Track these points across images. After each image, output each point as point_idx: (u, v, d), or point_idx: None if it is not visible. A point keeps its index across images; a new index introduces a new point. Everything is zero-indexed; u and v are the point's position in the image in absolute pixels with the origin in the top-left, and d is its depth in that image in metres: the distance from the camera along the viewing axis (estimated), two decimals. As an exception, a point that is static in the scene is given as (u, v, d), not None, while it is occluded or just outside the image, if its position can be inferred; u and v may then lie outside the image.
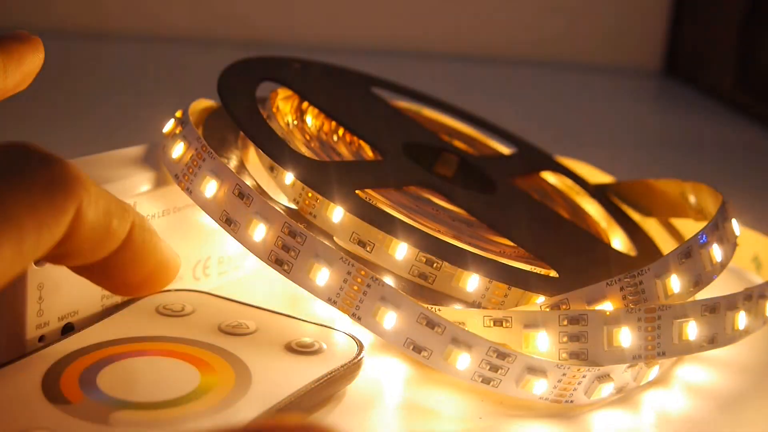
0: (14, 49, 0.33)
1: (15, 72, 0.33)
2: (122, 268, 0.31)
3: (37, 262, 0.32)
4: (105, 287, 0.32)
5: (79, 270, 0.31)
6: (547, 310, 0.34)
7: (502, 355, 0.33)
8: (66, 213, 0.26)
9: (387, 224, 0.36)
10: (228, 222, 0.36)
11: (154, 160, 0.39)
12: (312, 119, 0.46)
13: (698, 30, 1.02)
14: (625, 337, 0.34)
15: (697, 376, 0.38)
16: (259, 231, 0.35)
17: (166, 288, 0.35)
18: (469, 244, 0.38)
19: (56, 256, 0.28)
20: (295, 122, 0.44)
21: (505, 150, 0.52)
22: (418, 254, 0.36)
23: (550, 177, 0.50)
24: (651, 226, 0.48)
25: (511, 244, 0.39)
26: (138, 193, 0.37)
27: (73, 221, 0.26)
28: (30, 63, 0.33)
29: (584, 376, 0.34)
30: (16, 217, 0.25)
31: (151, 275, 0.32)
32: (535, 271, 0.38)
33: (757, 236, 0.48)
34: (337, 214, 0.37)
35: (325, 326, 0.36)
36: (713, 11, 0.98)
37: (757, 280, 0.48)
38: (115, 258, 0.30)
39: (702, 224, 0.40)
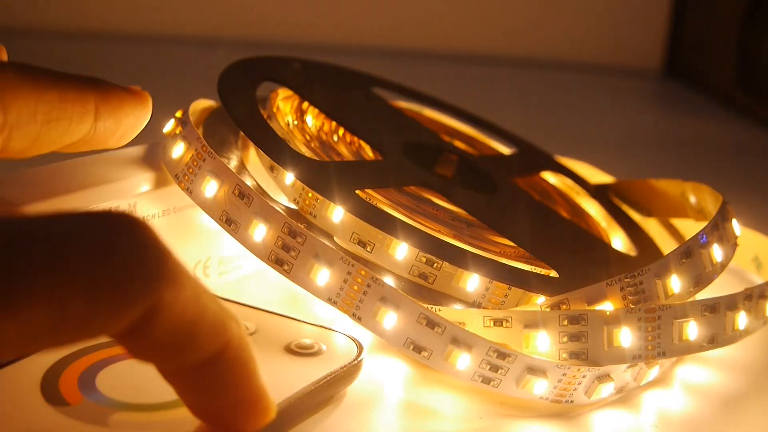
0: (112, 94, 0.31)
1: (108, 118, 0.31)
2: (204, 387, 0.26)
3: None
4: (185, 403, 0.27)
5: (163, 373, 0.26)
6: (547, 310, 0.34)
7: (502, 355, 0.33)
8: (133, 303, 0.23)
9: (387, 224, 0.36)
10: (228, 222, 0.35)
11: (154, 160, 0.39)
12: (312, 119, 0.46)
13: (698, 30, 1.02)
14: (625, 337, 0.34)
15: (697, 376, 0.38)
16: (259, 231, 0.35)
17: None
18: (469, 244, 0.38)
19: (129, 347, 0.24)
20: (295, 122, 0.44)
21: (505, 150, 0.52)
22: (418, 254, 0.36)
23: (550, 177, 0.50)
24: (651, 226, 0.48)
25: (511, 244, 0.39)
26: (138, 193, 0.37)
27: (146, 317, 0.23)
28: (130, 114, 0.31)
29: (584, 376, 0.34)
30: (65, 285, 0.22)
31: (235, 411, 0.27)
32: (535, 271, 0.38)
33: (757, 236, 0.48)
34: (337, 214, 0.37)
35: (325, 327, 0.36)
36: (713, 11, 0.98)
37: (757, 280, 0.48)
38: (200, 373, 0.26)
39: (702, 224, 0.40)
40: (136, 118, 0.32)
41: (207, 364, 0.25)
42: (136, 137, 0.41)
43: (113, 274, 0.22)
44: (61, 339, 0.22)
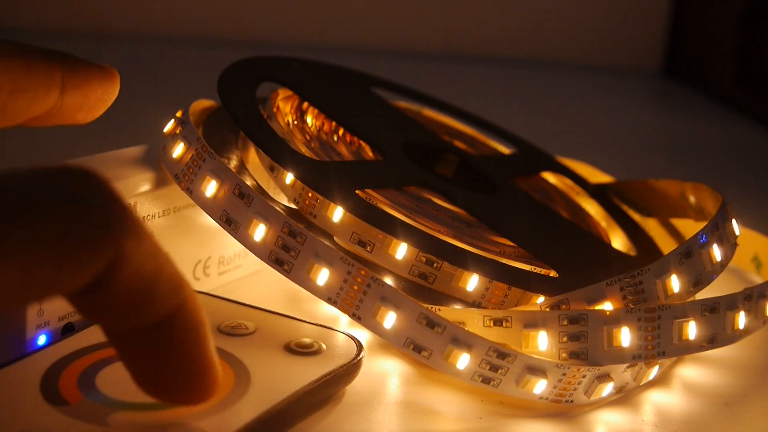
0: (79, 67, 0.31)
1: (75, 92, 0.31)
2: (157, 349, 0.26)
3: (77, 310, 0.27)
4: (130, 369, 0.27)
5: (112, 337, 0.26)
6: (547, 310, 0.34)
7: (502, 355, 0.33)
8: (97, 254, 0.23)
9: (387, 224, 0.36)
10: (228, 222, 0.35)
11: (154, 160, 0.39)
12: (312, 119, 0.46)
13: (698, 30, 1.02)
14: (625, 337, 0.34)
15: (697, 376, 0.38)
16: (259, 231, 0.35)
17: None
18: (469, 244, 0.38)
19: (89, 307, 0.25)
20: (295, 122, 0.44)
21: (505, 150, 0.52)
22: (418, 254, 0.36)
23: (550, 177, 0.50)
24: (651, 226, 0.48)
25: (511, 244, 0.39)
26: (138, 193, 0.37)
27: (110, 268, 0.23)
28: (97, 89, 0.32)
29: (584, 376, 0.34)
30: (33, 241, 0.22)
31: (185, 374, 0.27)
32: (535, 271, 0.38)
33: (757, 236, 0.48)
34: (337, 214, 0.37)
35: (325, 327, 0.36)
36: (713, 11, 0.98)
37: (757, 280, 0.48)
38: (153, 334, 0.26)
39: (702, 224, 0.40)
40: (104, 92, 0.32)
41: (161, 324, 0.25)
42: (135, 137, 0.41)
43: (76, 224, 0.23)
44: (31, 295, 0.22)
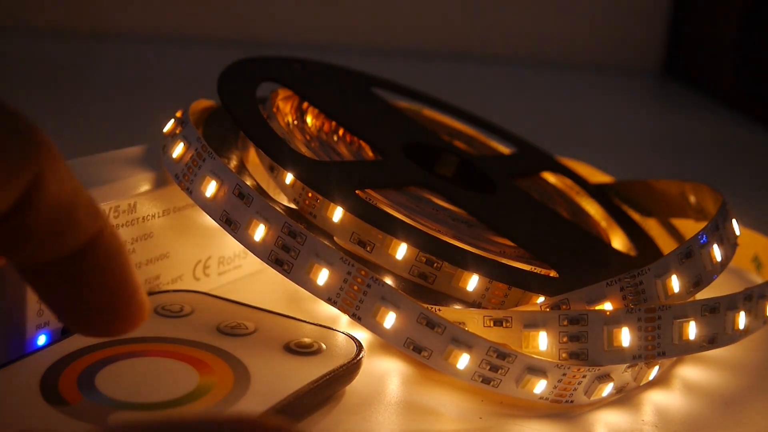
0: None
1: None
2: (80, 280, 0.25)
3: None
4: (53, 307, 0.26)
5: (31, 274, 0.25)
6: (547, 310, 0.34)
7: (502, 355, 0.33)
8: (20, 171, 0.22)
9: (387, 224, 0.36)
10: (228, 222, 0.35)
11: (154, 160, 0.39)
12: (312, 119, 0.46)
13: (698, 30, 1.02)
14: (625, 337, 0.34)
15: (697, 376, 0.38)
16: (259, 231, 0.35)
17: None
18: (469, 244, 0.38)
19: (7, 236, 0.24)
20: (295, 122, 0.44)
21: (505, 150, 0.52)
22: (418, 254, 0.36)
23: (550, 177, 0.50)
24: (651, 226, 0.48)
25: (511, 244, 0.39)
26: (138, 193, 0.37)
27: (30, 189, 0.23)
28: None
29: (584, 376, 0.34)
30: None
31: (112, 303, 0.25)
32: (535, 271, 0.38)
33: (757, 236, 0.48)
34: (337, 214, 0.37)
35: (325, 327, 0.36)
36: (713, 11, 0.98)
37: (757, 280, 0.48)
38: (74, 263, 0.25)
39: (702, 224, 0.40)
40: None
41: (82, 253, 0.25)
42: (135, 137, 0.41)
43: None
44: None
